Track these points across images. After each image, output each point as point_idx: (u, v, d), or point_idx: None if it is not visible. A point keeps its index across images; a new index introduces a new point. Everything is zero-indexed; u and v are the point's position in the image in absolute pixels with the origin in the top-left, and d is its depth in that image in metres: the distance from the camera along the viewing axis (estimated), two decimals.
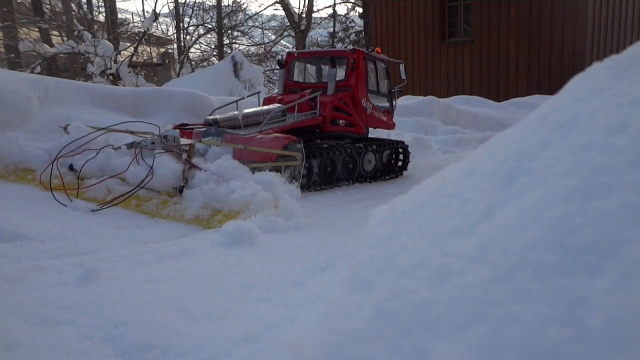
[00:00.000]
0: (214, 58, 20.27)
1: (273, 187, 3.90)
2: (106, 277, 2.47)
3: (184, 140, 4.53)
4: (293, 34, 20.62)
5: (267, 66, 21.02)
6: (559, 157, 0.99)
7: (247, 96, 7.19)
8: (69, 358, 1.76)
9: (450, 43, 14.73)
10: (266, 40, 23.48)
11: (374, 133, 6.89)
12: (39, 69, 12.51)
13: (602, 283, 0.72)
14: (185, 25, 20.35)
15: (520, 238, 0.87)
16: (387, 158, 6.62)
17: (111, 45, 13.03)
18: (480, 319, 0.80)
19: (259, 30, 23.60)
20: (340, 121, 6.11)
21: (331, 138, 6.12)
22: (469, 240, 0.98)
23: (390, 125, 7.08)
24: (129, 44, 15.54)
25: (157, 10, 15.57)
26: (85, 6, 16.03)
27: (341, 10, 49.76)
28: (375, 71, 6.64)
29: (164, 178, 3.96)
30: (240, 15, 22.32)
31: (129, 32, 18.01)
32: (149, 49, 18.50)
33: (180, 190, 3.85)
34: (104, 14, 15.96)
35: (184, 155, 4.21)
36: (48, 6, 14.90)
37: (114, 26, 15.67)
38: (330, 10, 28.81)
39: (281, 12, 21.15)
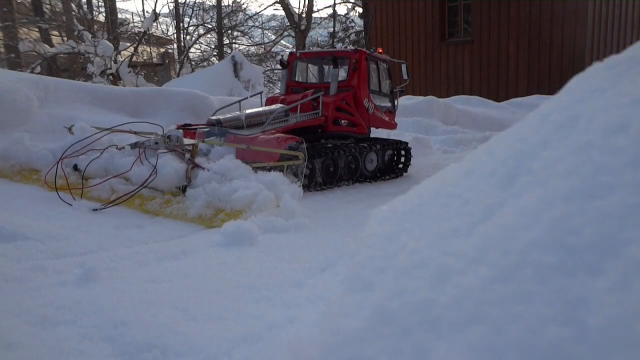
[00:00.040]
0: (214, 58, 20.27)
1: (275, 186, 3.92)
2: (106, 277, 2.47)
3: (187, 140, 4.57)
4: (293, 34, 20.62)
5: (267, 66, 21.01)
6: (559, 157, 0.99)
7: (250, 96, 7.21)
8: (69, 358, 1.76)
9: (450, 43, 14.73)
10: (266, 40, 23.49)
11: (374, 133, 6.90)
12: (39, 69, 12.51)
13: (602, 283, 0.72)
14: (185, 25, 20.37)
15: (520, 238, 0.87)
16: (389, 158, 6.64)
17: (111, 45, 13.04)
18: (480, 319, 0.80)
19: (259, 30, 23.62)
20: (343, 121, 6.13)
21: (334, 138, 6.15)
22: (469, 240, 0.98)
23: (392, 125, 7.10)
24: (129, 44, 15.55)
25: (157, 10, 15.59)
26: (85, 6, 16.04)
27: (341, 10, 49.78)
28: (377, 71, 6.66)
29: (167, 177, 4.00)
30: (240, 15, 22.33)
31: (129, 32, 18.01)
32: (149, 49, 18.51)
33: (184, 189, 3.89)
34: (104, 14, 15.96)
35: (187, 155, 4.25)
36: (48, 6, 14.90)
37: (114, 26, 15.67)
38: (330, 10, 28.85)
39: (281, 12, 21.18)
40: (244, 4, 26.81)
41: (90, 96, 6.96)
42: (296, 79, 6.68)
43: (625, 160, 0.86)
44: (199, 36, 20.76)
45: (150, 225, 3.60)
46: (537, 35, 12.99)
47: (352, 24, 24.28)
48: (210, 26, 20.93)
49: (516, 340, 0.73)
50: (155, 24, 16.86)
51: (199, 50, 21.19)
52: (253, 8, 64.78)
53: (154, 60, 18.93)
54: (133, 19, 20.70)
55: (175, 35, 20.24)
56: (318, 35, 25.99)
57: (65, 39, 14.44)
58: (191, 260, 2.84)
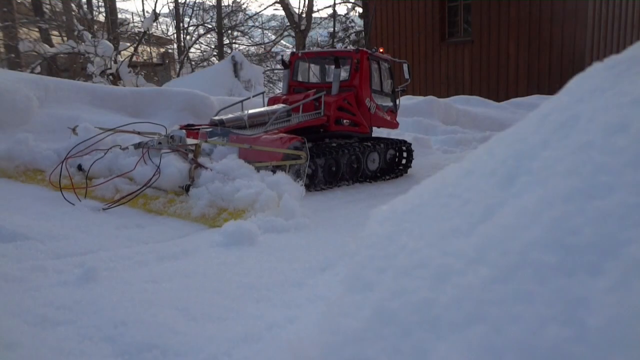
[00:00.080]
0: (214, 58, 20.27)
1: (278, 185, 3.95)
2: (106, 277, 2.47)
3: (190, 140, 4.61)
4: (293, 34, 20.62)
5: (267, 66, 21.01)
6: (559, 157, 0.99)
7: (253, 96, 7.24)
8: (69, 358, 1.76)
9: (450, 43, 14.73)
10: (266, 40, 23.49)
11: (374, 132, 6.91)
12: (39, 69, 12.51)
13: (602, 283, 0.72)
14: (185, 25, 20.36)
15: (520, 238, 0.87)
16: (391, 158, 6.66)
17: (111, 45, 13.04)
18: (480, 319, 0.80)
19: (259, 30, 23.61)
20: (345, 121, 6.16)
21: (336, 137, 6.18)
22: (469, 240, 0.98)
23: (394, 125, 7.13)
24: (129, 44, 15.54)
25: (157, 10, 15.58)
26: (85, 6, 16.04)
27: (341, 10, 49.82)
28: (378, 71, 6.68)
29: (170, 177, 4.04)
30: (240, 15, 22.32)
31: (129, 32, 18.01)
32: (149, 49, 18.50)
33: (187, 189, 3.93)
34: (104, 14, 15.96)
35: (190, 155, 4.29)
36: (48, 6, 14.90)
37: (114, 26, 15.67)
38: (330, 10, 28.84)
39: (281, 12, 21.17)
40: (244, 4, 26.82)
41: (90, 96, 6.96)
42: (298, 78, 6.69)
43: (625, 160, 0.86)
44: (199, 36, 20.76)
45: (151, 225, 3.60)
46: (537, 35, 12.99)
47: (352, 24, 24.28)
48: (210, 26, 20.93)
49: (516, 340, 0.73)
50: (155, 24, 16.87)
51: (199, 50, 21.20)
52: (253, 8, 64.80)
53: (154, 60, 18.93)
54: (133, 19, 20.71)
55: (175, 35, 20.24)
56: (318, 35, 25.99)
57: (65, 39, 14.44)
58: (191, 260, 2.84)
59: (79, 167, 4.43)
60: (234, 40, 22.64)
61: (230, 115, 5.60)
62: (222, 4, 20.57)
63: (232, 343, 1.88)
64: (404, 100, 10.83)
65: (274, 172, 4.19)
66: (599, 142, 0.94)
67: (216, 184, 3.85)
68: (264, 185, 3.85)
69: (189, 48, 19.32)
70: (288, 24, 20.82)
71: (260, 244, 3.14)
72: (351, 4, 23.15)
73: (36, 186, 4.39)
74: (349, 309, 1.03)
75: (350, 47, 18.56)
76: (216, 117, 5.51)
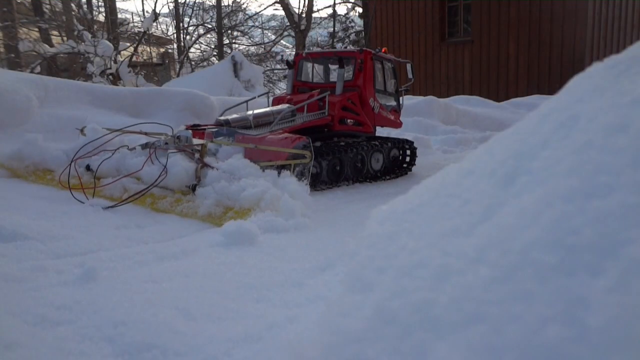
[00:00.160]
0: (214, 58, 20.27)
1: (284, 184, 4.01)
2: (106, 277, 2.47)
3: (196, 141, 4.67)
4: (293, 34, 20.62)
5: (267, 66, 21.01)
6: (559, 157, 0.99)
7: (258, 96, 7.30)
8: (69, 358, 1.76)
9: (450, 43, 14.73)
10: (266, 40, 23.49)
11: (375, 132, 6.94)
12: (39, 69, 12.51)
13: (602, 283, 0.72)
14: (185, 25, 20.36)
15: (520, 238, 0.87)
16: (395, 157, 6.71)
17: (111, 45, 13.04)
18: (480, 319, 0.80)
19: (259, 30, 23.62)
20: (349, 120, 6.20)
21: (340, 137, 6.23)
22: (469, 240, 0.98)
23: (397, 124, 7.17)
24: (129, 44, 15.55)
25: (157, 10, 15.59)
26: (85, 6, 16.04)
27: (341, 10, 49.82)
28: (382, 71, 6.72)
29: (177, 177, 4.10)
30: (240, 15, 22.32)
31: (129, 32, 18.01)
32: (149, 49, 18.50)
33: (193, 188, 3.98)
34: (104, 14, 15.96)
35: (197, 155, 4.34)
36: (48, 6, 14.90)
37: (114, 26, 15.67)
38: (330, 10, 28.83)
39: (281, 12, 21.17)
40: (244, 4, 26.80)
41: (90, 96, 6.96)
42: (302, 78, 6.72)
43: (625, 160, 0.86)
44: (199, 36, 20.76)
45: (151, 225, 3.60)
46: (537, 35, 12.99)
47: (352, 24, 24.29)
48: (210, 26, 20.93)
49: (516, 340, 0.73)
50: (155, 24, 16.87)
51: (199, 50, 21.20)
52: (253, 8, 64.79)
53: (154, 60, 18.93)
54: (133, 19, 20.72)
55: (175, 35, 20.24)
56: (318, 35, 25.99)
57: (65, 39, 14.44)
58: (191, 260, 2.84)
59: (87, 168, 4.50)
60: (234, 40, 22.65)
61: (235, 116, 5.65)
62: (222, 4, 20.59)
63: (232, 343, 1.88)
64: (404, 100, 10.83)
65: (279, 172, 4.24)
66: (599, 142, 0.94)
67: (222, 183, 3.91)
68: (269, 184, 3.91)
69: (189, 48, 19.32)
70: (288, 24, 20.82)
71: (260, 244, 3.14)
72: (351, 4, 23.15)
73: (36, 185, 4.42)
74: (349, 309, 1.03)
75: (351, 47, 18.54)
76: (222, 117, 5.57)
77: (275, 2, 20.15)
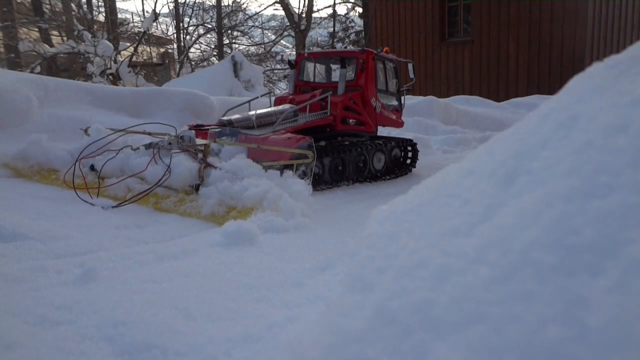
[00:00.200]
0: (214, 58, 20.27)
1: (286, 184, 4.05)
2: (106, 277, 2.47)
3: (199, 141, 4.70)
4: (293, 34, 20.61)
5: (267, 66, 21.02)
6: (559, 157, 0.99)
7: (261, 96, 7.34)
8: (69, 358, 1.76)
9: (450, 43, 14.73)
10: (266, 40, 23.49)
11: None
12: (39, 69, 12.51)
13: (602, 283, 0.72)
14: (185, 25, 20.36)
15: (520, 238, 0.87)
16: (397, 157, 6.73)
17: (111, 45, 13.04)
18: (480, 319, 0.80)
19: (259, 30, 23.61)
20: (351, 120, 6.21)
21: (347, 136, 6.26)
22: (469, 240, 0.98)
23: (399, 124, 7.20)
24: (129, 44, 15.55)
25: (157, 10, 15.58)
26: (85, 6, 16.04)
27: (341, 10, 49.83)
28: (384, 70, 6.74)
29: (180, 176, 4.13)
30: (240, 15, 22.32)
31: (129, 32, 18.01)
32: (149, 49, 18.50)
33: (197, 188, 4.02)
34: (104, 14, 15.95)
35: (200, 155, 4.37)
36: (48, 6, 14.90)
37: (114, 26, 15.67)
38: (330, 10, 28.84)
39: (281, 12, 21.17)
40: (244, 4, 26.80)
41: (90, 96, 6.96)
42: (304, 78, 6.74)
43: (625, 160, 0.86)
44: (199, 36, 20.76)
45: (151, 225, 3.60)
46: (537, 35, 12.99)
47: (352, 24, 24.29)
48: (210, 26, 20.93)
49: (516, 340, 0.73)
50: (155, 24, 16.87)
51: (199, 50, 21.20)
52: (253, 8, 64.79)
53: (154, 60, 18.93)
54: (133, 19, 20.72)
55: (175, 35, 20.24)
56: (318, 35, 25.99)
57: (65, 39, 14.44)
58: (191, 260, 2.84)
59: (92, 168, 4.53)
60: (234, 40, 22.64)
61: (238, 116, 5.68)
62: (222, 4, 20.59)
63: (232, 343, 1.88)
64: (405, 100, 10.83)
65: (281, 172, 4.26)
66: (599, 142, 0.94)
67: (225, 183, 3.94)
68: (271, 183, 3.94)
69: (189, 48, 19.32)
70: (288, 24, 20.82)
71: (260, 244, 3.14)
72: (351, 4, 23.16)
73: (37, 185, 4.43)
74: (349, 309, 1.03)
75: (351, 47, 18.53)
76: (225, 118, 5.61)
77: (275, 2, 20.15)
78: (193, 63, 19.49)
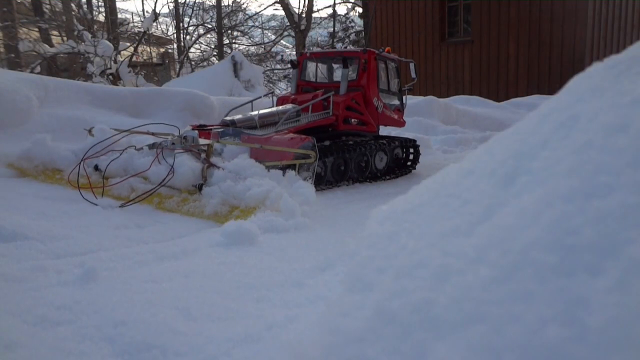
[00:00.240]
0: (214, 58, 20.27)
1: (288, 184, 4.09)
2: (106, 277, 2.47)
3: (202, 141, 4.72)
4: (293, 34, 20.61)
5: (267, 66, 21.02)
6: (559, 157, 0.99)
7: (263, 96, 7.37)
8: (68, 358, 1.76)
9: (450, 43, 14.73)
10: (266, 40, 23.49)
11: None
12: (38, 69, 12.50)
13: (602, 283, 0.72)
14: (185, 25, 20.35)
15: (520, 238, 0.87)
16: (398, 156, 6.76)
17: (111, 45, 13.03)
18: (480, 319, 0.80)
19: (259, 30, 23.61)
20: (353, 120, 6.23)
21: (347, 136, 6.27)
22: (469, 240, 0.97)
23: (401, 123, 7.22)
24: (129, 44, 15.54)
25: (157, 10, 15.58)
26: (85, 6, 16.03)
27: (341, 10, 49.84)
28: (386, 70, 6.76)
29: (184, 176, 4.17)
30: (240, 15, 22.32)
31: (129, 32, 18.01)
32: (149, 49, 18.50)
33: (200, 187, 4.05)
34: (104, 14, 15.95)
35: (203, 155, 4.40)
36: (48, 6, 14.89)
37: (114, 26, 15.66)
38: (330, 10, 28.84)
39: (281, 12, 21.17)
40: (244, 4, 26.80)
41: (90, 96, 6.96)
42: (306, 78, 6.74)
43: (625, 160, 0.86)
44: (199, 36, 20.75)
45: (151, 225, 3.60)
46: (537, 35, 12.98)
47: (352, 24, 24.29)
48: (210, 26, 20.93)
49: (516, 340, 0.73)
50: (155, 24, 16.87)
51: (199, 50, 21.19)
52: (253, 8, 64.80)
53: (154, 60, 18.93)
54: (133, 19, 20.71)
55: (175, 35, 20.23)
56: (318, 35, 25.99)
57: (65, 39, 14.43)
58: (191, 260, 2.84)
59: (96, 167, 4.55)
60: (234, 40, 22.64)
61: (240, 116, 5.70)
62: (222, 4, 20.58)
63: (232, 343, 1.88)
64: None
65: (283, 172, 4.28)
66: (599, 142, 0.94)
67: (228, 182, 3.97)
68: (274, 183, 3.97)
69: (189, 48, 19.31)
70: (288, 24, 20.82)
71: (260, 244, 3.14)
72: (351, 4, 23.16)
73: (39, 185, 4.44)
74: (349, 309, 1.03)
75: (351, 47, 18.53)
76: (227, 118, 5.63)
77: (275, 2, 20.15)
78: (193, 63, 19.49)
